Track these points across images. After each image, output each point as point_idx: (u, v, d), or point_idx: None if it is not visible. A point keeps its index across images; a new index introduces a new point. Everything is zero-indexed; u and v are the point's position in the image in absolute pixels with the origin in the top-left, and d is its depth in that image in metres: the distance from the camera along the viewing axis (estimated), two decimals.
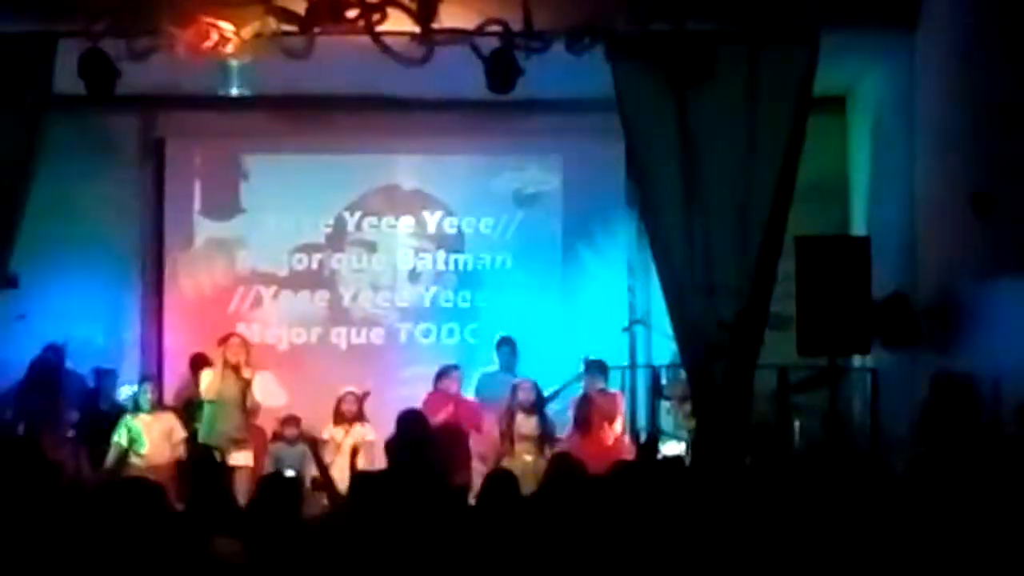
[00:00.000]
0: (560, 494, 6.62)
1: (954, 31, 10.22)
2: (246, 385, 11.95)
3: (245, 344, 12.18)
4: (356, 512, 6.76)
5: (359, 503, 6.95)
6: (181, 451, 11.78)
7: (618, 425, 11.87)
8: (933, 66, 10.65)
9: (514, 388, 12.00)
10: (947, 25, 10.34)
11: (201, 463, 9.36)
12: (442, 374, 12.26)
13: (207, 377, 11.93)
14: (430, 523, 6.35)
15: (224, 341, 12.07)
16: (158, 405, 12.20)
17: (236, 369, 11.90)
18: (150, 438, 11.80)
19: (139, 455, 11.72)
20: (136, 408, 11.97)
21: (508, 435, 11.79)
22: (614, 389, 12.40)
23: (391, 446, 8.10)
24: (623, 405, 12.18)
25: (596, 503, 6.43)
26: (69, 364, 12.69)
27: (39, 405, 11.80)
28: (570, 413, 12.10)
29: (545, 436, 11.79)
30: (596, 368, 12.18)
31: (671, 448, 11.59)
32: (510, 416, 11.86)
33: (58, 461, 9.11)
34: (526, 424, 11.83)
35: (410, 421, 7.88)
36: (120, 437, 11.77)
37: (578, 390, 12.24)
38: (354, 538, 6.23)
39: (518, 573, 5.89)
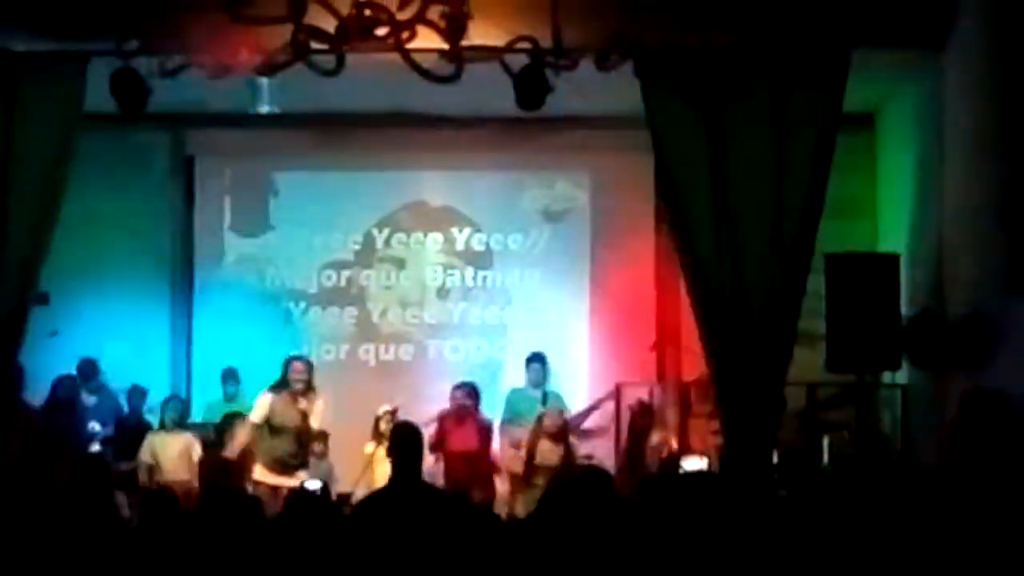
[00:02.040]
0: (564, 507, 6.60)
1: (983, 51, 10.19)
2: (303, 414, 11.63)
3: (309, 367, 11.82)
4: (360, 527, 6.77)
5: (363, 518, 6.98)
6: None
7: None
8: (962, 85, 10.62)
9: (540, 416, 12.03)
10: (976, 44, 10.31)
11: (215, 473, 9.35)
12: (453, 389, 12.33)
13: (262, 402, 11.57)
14: (446, 536, 6.36)
15: (287, 364, 11.73)
16: (179, 424, 12.18)
17: (296, 396, 11.60)
18: (168, 456, 11.85)
19: (160, 472, 11.81)
20: (161, 426, 12.06)
21: (530, 461, 11.82)
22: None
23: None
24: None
25: (601, 518, 6.43)
26: (103, 380, 12.79)
27: (60, 424, 11.84)
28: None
29: (569, 464, 11.83)
30: (642, 408, 12.25)
31: (693, 464, 11.58)
32: (533, 442, 11.88)
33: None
34: (551, 453, 11.84)
35: (403, 433, 7.83)
36: (144, 455, 11.85)
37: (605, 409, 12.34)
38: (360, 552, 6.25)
39: None
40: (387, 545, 6.33)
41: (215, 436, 12.00)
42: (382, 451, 11.54)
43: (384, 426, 11.85)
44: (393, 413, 11.91)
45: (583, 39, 9.89)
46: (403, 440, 7.41)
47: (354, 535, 6.47)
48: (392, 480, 7.25)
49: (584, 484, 6.88)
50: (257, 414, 11.55)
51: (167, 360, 13.83)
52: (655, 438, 11.95)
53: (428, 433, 11.10)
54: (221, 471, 10.03)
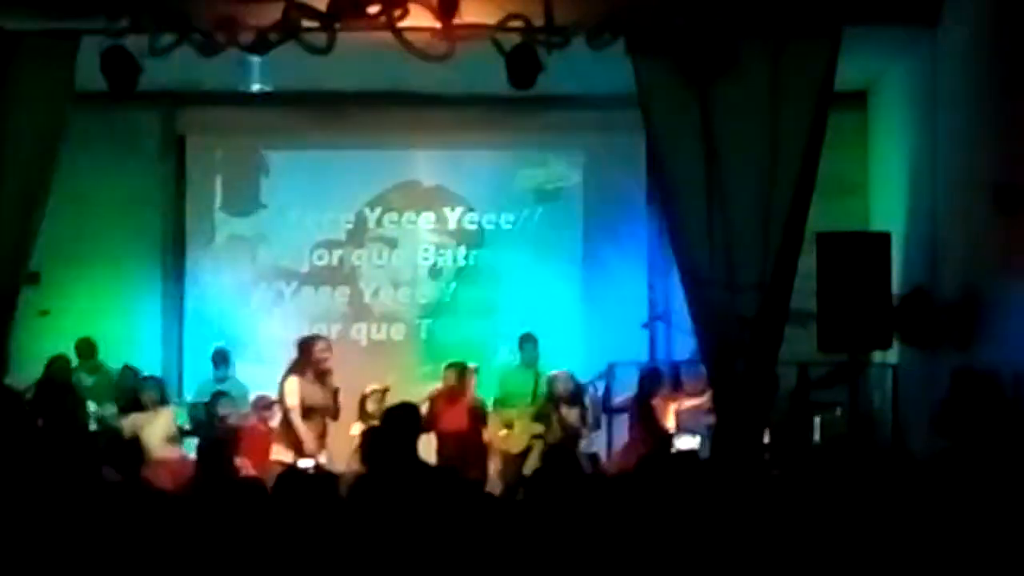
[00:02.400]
0: (555, 485, 6.60)
1: (975, 27, 10.18)
2: (334, 394, 11.40)
3: (330, 347, 11.57)
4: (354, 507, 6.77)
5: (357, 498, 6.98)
6: (179, 445, 11.78)
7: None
8: (954, 62, 10.61)
9: (551, 380, 12.07)
10: (969, 21, 10.30)
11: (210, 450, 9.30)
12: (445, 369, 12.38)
13: (293, 386, 11.18)
14: (441, 515, 6.37)
15: (309, 345, 11.42)
16: (160, 402, 12.09)
17: (323, 376, 11.32)
18: (153, 435, 11.82)
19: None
20: (140, 406, 11.97)
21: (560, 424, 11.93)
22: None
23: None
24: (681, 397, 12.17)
25: (599, 496, 6.43)
26: (101, 360, 12.79)
27: (55, 404, 11.81)
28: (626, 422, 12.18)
29: (585, 424, 12.02)
30: (650, 375, 12.24)
31: (685, 443, 11.59)
32: (555, 407, 11.95)
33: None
34: (570, 414, 11.92)
35: (401, 413, 7.80)
36: (126, 434, 11.85)
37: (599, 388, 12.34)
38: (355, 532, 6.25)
39: (525, 565, 5.89)
40: (384, 526, 6.32)
41: (205, 416, 11.99)
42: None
43: (372, 406, 11.85)
44: (383, 392, 11.90)
45: (575, 17, 9.87)
46: (401, 419, 7.42)
47: (350, 515, 6.46)
48: (390, 460, 7.25)
49: (559, 462, 6.92)
50: (293, 398, 11.12)
51: (159, 340, 13.81)
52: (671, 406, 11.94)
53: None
54: (217, 454, 9.99)
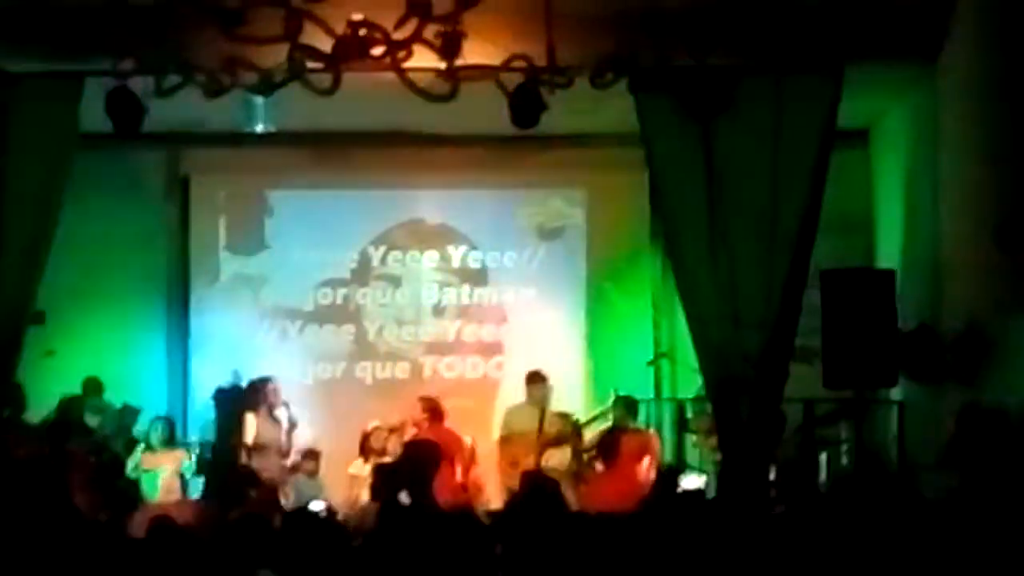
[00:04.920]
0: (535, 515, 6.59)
1: (976, 64, 10.22)
2: (284, 428, 12.29)
3: (277, 389, 12.43)
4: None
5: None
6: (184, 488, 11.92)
7: (645, 463, 11.80)
8: (955, 99, 10.64)
9: (540, 422, 12.07)
10: (969, 58, 10.34)
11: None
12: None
13: (250, 423, 12.11)
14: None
15: (262, 386, 12.32)
16: (170, 442, 12.14)
17: (274, 414, 12.23)
18: (161, 475, 11.84)
19: (151, 491, 11.81)
20: (148, 446, 11.99)
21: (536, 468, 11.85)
22: (644, 427, 12.40)
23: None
24: (655, 444, 12.10)
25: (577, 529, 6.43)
26: (106, 400, 12.78)
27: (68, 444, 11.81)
28: (595, 450, 12.12)
29: (579, 467, 11.89)
30: (624, 404, 12.18)
31: (692, 482, 11.56)
32: (542, 449, 11.92)
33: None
34: (556, 456, 11.88)
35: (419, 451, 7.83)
36: (132, 472, 11.85)
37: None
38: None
39: None
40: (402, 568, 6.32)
41: (211, 455, 12.03)
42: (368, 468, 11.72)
43: (376, 444, 11.91)
44: (390, 431, 11.95)
45: (578, 57, 9.90)
46: (421, 456, 7.43)
47: (369, 559, 6.46)
48: (409, 500, 7.25)
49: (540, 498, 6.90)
50: (249, 435, 12.06)
51: (164, 380, 13.80)
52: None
53: None
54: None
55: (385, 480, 8.85)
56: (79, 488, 10.49)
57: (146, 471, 11.80)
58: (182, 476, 11.95)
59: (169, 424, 12.35)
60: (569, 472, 11.87)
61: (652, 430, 12.55)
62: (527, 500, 6.79)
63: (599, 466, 11.99)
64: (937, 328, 10.81)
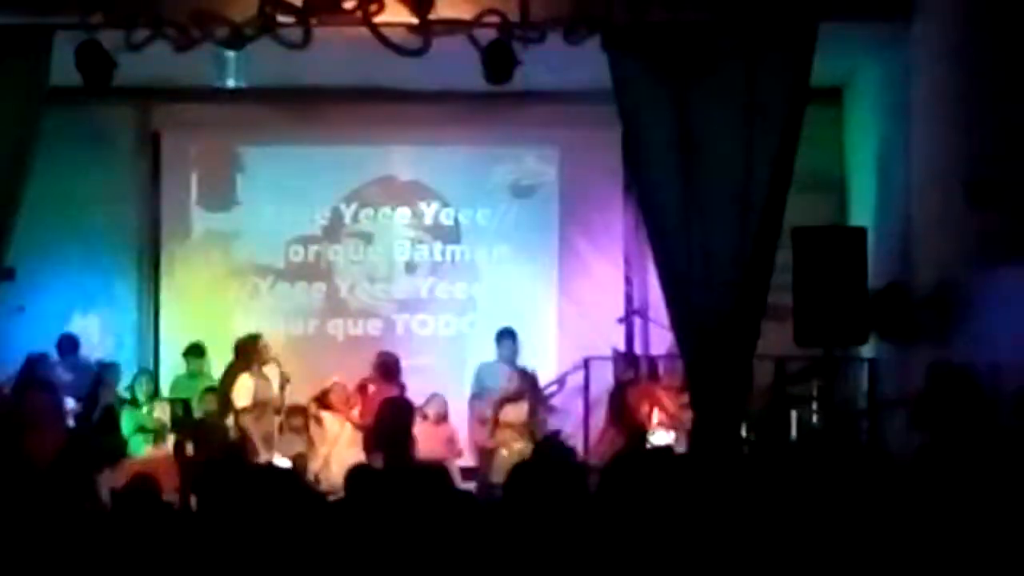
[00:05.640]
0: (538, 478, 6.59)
1: (949, 22, 10.22)
2: (276, 384, 12.33)
3: (267, 345, 12.46)
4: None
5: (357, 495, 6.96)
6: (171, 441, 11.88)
7: (655, 416, 11.84)
8: (928, 57, 10.65)
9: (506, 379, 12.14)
10: (942, 16, 10.34)
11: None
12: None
13: (245, 383, 12.01)
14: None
15: (253, 344, 12.32)
16: (153, 397, 12.22)
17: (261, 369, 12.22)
18: (147, 428, 11.89)
19: (138, 448, 11.83)
20: (134, 401, 12.04)
21: (494, 422, 11.95)
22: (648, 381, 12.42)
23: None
24: (661, 395, 12.12)
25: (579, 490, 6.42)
26: (80, 356, 12.76)
27: (38, 402, 11.77)
28: (602, 407, 12.18)
29: (534, 422, 11.90)
30: (624, 359, 12.23)
31: (660, 438, 11.61)
32: (499, 404, 11.98)
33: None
34: (512, 411, 11.96)
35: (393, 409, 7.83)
36: (128, 429, 11.87)
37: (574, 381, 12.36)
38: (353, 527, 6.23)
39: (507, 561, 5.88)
40: (376, 526, 6.30)
41: (183, 412, 12.01)
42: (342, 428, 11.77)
43: (336, 399, 12.01)
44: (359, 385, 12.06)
45: (551, 13, 9.88)
46: (394, 416, 7.44)
47: (341, 516, 6.44)
48: (386, 458, 7.27)
49: (547, 460, 6.90)
50: (246, 398, 11.97)
51: (134, 336, 13.78)
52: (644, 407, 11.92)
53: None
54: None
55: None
56: (47, 441, 10.50)
57: (138, 428, 11.87)
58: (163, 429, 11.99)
59: (153, 377, 12.42)
60: (525, 426, 11.94)
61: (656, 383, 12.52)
62: (538, 464, 6.79)
63: (605, 424, 12.03)
64: (908, 286, 10.84)
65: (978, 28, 9.67)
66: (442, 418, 12.19)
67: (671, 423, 11.71)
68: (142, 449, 11.92)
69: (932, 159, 10.61)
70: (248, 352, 12.19)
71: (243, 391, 11.94)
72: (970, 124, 9.76)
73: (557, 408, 12.76)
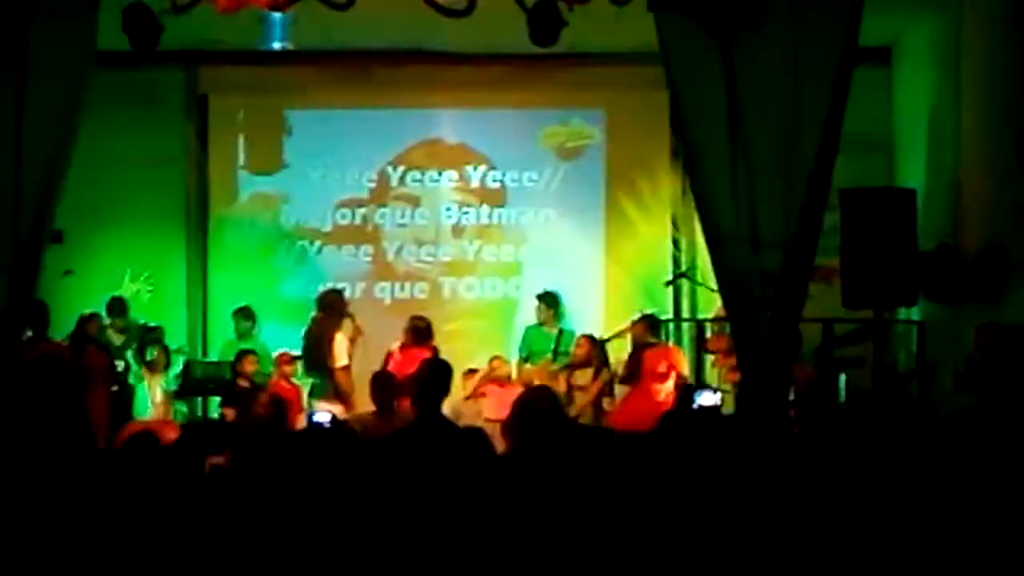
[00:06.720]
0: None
1: None
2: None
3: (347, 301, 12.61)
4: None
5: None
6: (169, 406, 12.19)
7: (671, 379, 11.79)
8: (978, 15, 10.55)
9: (556, 342, 12.24)
10: None
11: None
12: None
13: (341, 341, 11.99)
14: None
15: (339, 298, 12.50)
16: (164, 364, 12.37)
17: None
18: (152, 395, 11.98)
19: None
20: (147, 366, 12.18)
21: (567, 387, 11.99)
22: (668, 343, 12.40)
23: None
24: (678, 358, 12.07)
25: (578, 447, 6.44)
26: (131, 319, 12.87)
27: (93, 361, 11.86)
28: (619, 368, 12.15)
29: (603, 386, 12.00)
30: (647, 322, 12.18)
31: (707, 399, 11.55)
32: (570, 372, 12.04)
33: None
34: (582, 376, 11.95)
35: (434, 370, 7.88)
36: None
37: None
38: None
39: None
40: (407, 481, 6.34)
41: (231, 374, 12.06)
42: None
43: None
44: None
45: None
46: (432, 377, 7.49)
47: (375, 469, 6.48)
48: (418, 416, 7.31)
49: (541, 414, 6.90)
50: (344, 358, 11.95)
51: (183, 299, 13.85)
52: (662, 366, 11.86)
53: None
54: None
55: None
56: (99, 400, 10.59)
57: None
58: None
59: (163, 345, 12.62)
60: (590, 391, 11.95)
61: (674, 346, 12.52)
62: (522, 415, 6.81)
63: (623, 387, 12.02)
64: (958, 247, 10.76)
65: None
66: (508, 380, 12.18)
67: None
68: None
69: (983, 119, 10.52)
70: (336, 305, 12.19)
71: (340, 349, 11.91)
72: (1020, 82, 9.66)
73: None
